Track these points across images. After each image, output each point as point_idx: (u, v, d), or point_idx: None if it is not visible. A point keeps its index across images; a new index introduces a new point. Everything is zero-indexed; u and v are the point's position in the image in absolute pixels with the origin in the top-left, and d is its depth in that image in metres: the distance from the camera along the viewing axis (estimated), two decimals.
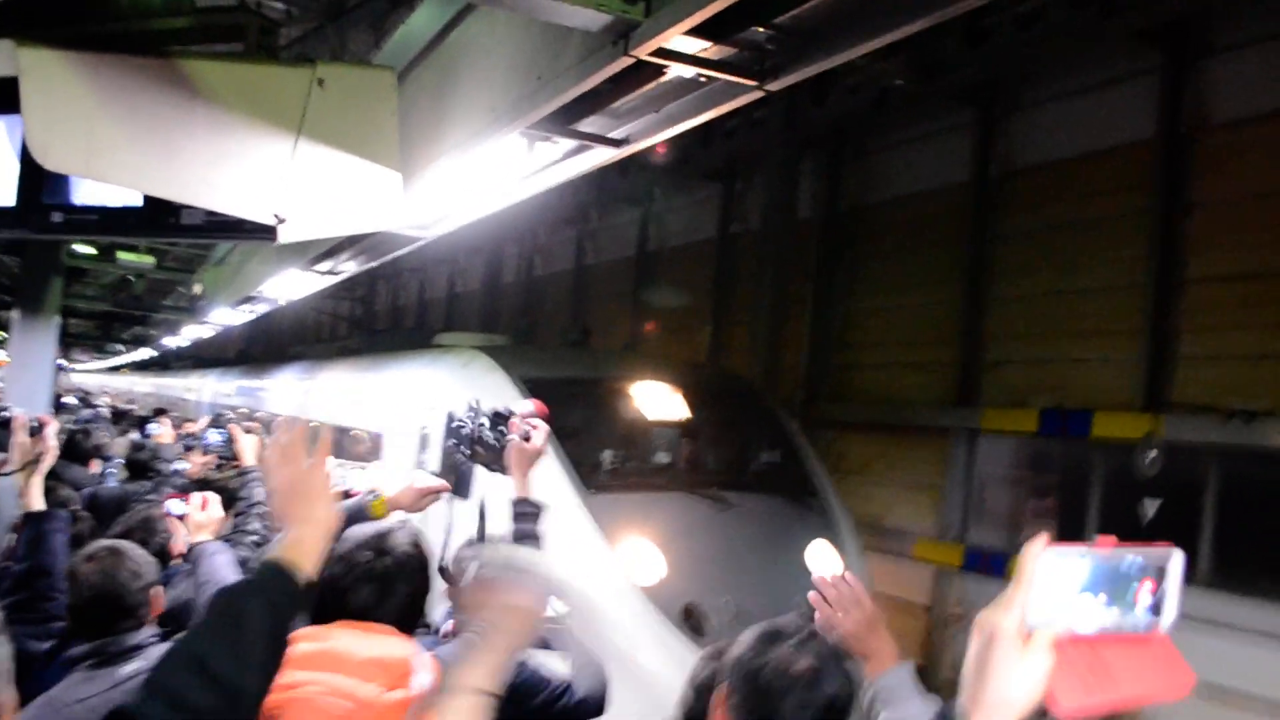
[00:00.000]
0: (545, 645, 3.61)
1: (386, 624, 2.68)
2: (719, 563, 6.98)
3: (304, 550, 1.96)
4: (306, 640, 2.54)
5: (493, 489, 3.77)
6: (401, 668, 2.49)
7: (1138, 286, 8.98)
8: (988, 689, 1.38)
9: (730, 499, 7.52)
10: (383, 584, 2.74)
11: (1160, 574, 1.38)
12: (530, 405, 3.81)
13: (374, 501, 3.70)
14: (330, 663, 2.43)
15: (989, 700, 1.38)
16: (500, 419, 3.79)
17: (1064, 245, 9.80)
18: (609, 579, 6.51)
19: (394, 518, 3.08)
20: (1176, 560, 1.38)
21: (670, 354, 13.89)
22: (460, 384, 8.28)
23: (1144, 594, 1.37)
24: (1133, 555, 1.37)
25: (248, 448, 5.55)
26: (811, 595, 2.43)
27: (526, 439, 3.66)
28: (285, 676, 2.20)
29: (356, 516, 3.53)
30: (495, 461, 3.74)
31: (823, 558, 7.37)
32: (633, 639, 6.16)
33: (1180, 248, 8.75)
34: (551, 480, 6.99)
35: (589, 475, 7.37)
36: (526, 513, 3.53)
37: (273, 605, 1.87)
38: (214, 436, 5.91)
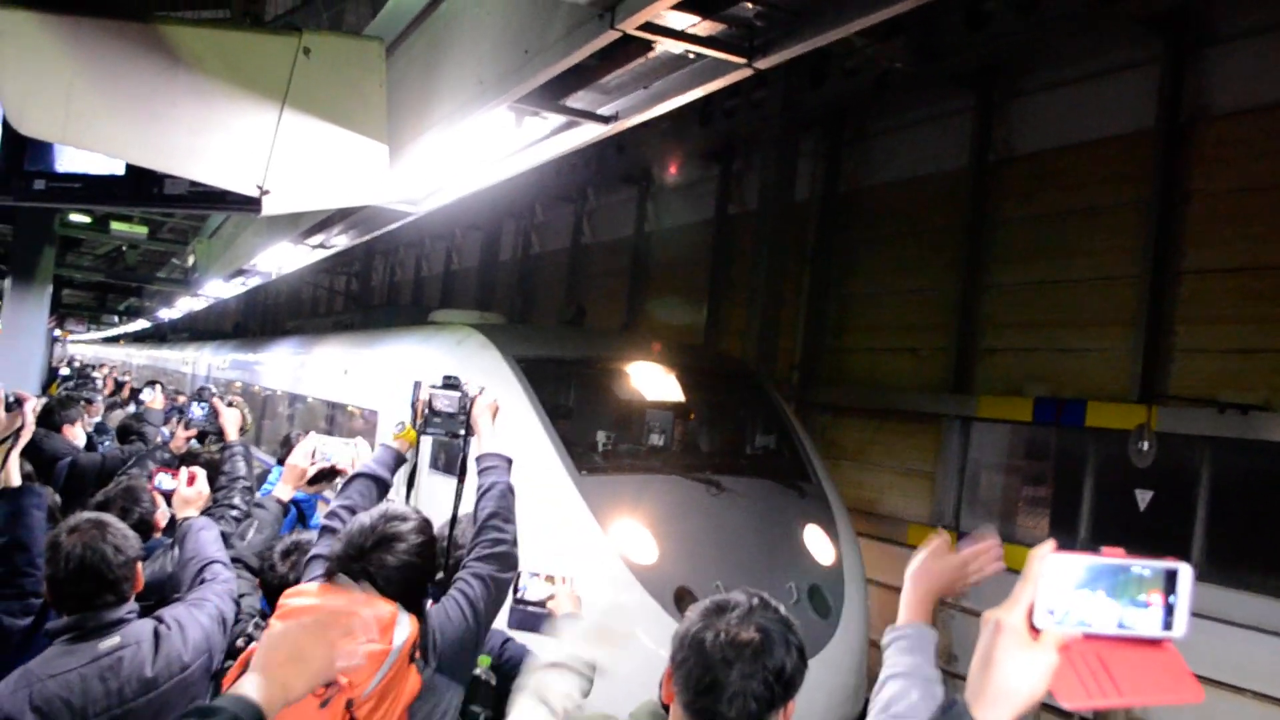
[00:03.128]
0: (531, 628, 3.72)
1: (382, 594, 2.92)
2: (712, 547, 6.90)
3: (271, 710, 1.94)
4: (297, 597, 2.85)
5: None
6: (382, 624, 2.74)
7: (1134, 276, 8.93)
8: (990, 680, 1.41)
9: (724, 483, 7.41)
10: (381, 572, 2.97)
11: (1169, 586, 1.39)
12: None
13: (401, 433, 4.05)
14: None
15: (991, 691, 1.41)
16: (451, 382, 3.94)
17: (1061, 233, 9.75)
18: (601, 562, 6.43)
19: (402, 508, 3.18)
20: (1185, 573, 1.38)
21: (666, 335, 13.87)
22: (454, 362, 8.05)
23: (1153, 603, 1.38)
24: (1139, 566, 1.38)
25: (230, 422, 5.53)
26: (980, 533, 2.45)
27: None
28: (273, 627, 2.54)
29: (394, 462, 3.98)
30: (452, 425, 3.89)
31: (817, 545, 7.31)
32: (625, 623, 6.11)
33: (1177, 238, 8.70)
34: (544, 461, 6.95)
35: (582, 456, 7.26)
36: (495, 465, 3.64)
37: None
38: (196, 411, 5.87)
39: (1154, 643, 1.39)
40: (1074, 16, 9.01)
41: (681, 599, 6.36)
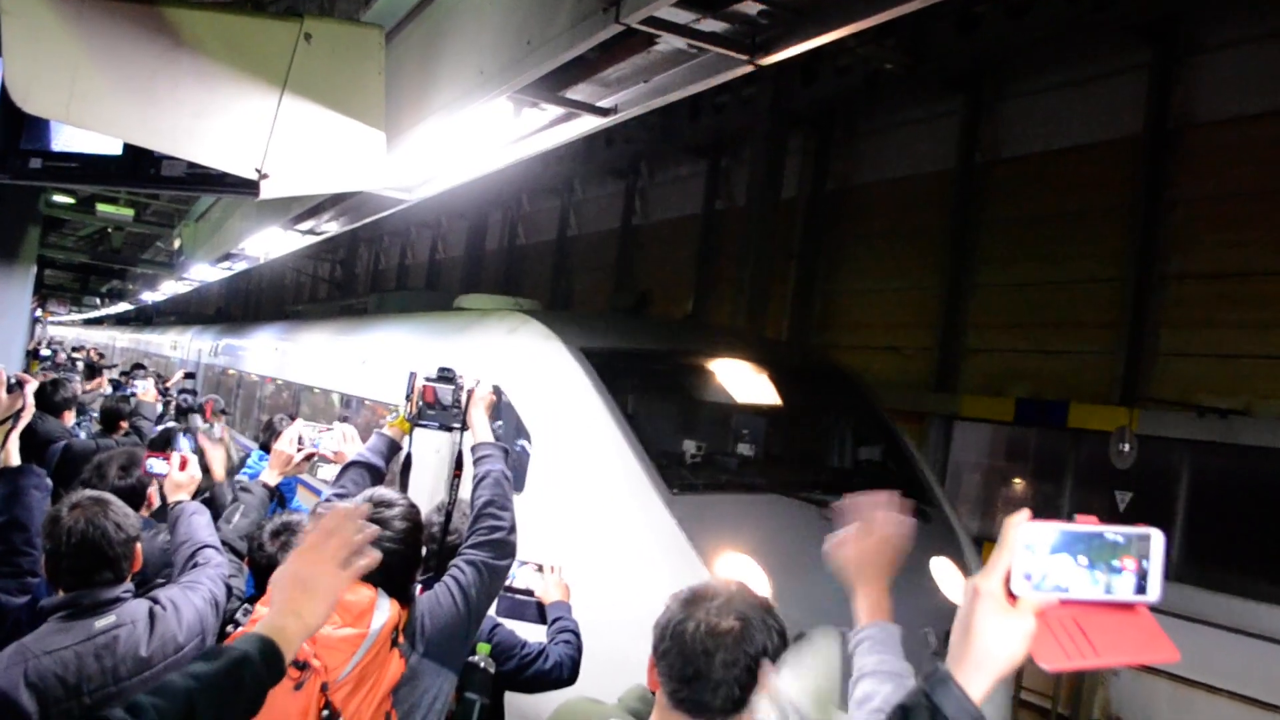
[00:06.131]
0: (519, 616, 3.76)
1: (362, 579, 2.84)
2: (831, 583, 5.17)
3: (290, 642, 1.99)
4: None
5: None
6: (359, 609, 2.74)
7: (1118, 280, 9.02)
8: (971, 646, 1.43)
9: (836, 505, 5.88)
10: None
11: (1142, 552, 1.41)
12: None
13: (394, 421, 4.01)
14: None
15: (972, 657, 1.44)
16: (446, 374, 3.96)
17: (1046, 236, 9.83)
18: None
19: (390, 493, 3.20)
20: (1157, 539, 1.41)
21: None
22: (507, 354, 6.88)
23: (1127, 569, 1.41)
24: (1113, 533, 1.41)
25: (217, 461, 5.17)
26: (846, 502, 2.47)
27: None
28: (256, 612, 2.71)
29: (389, 450, 3.96)
30: (446, 418, 3.92)
31: (948, 580, 6.03)
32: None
33: (1161, 243, 8.79)
34: (625, 475, 5.78)
35: (670, 471, 5.92)
36: (490, 454, 3.66)
37: (263, 684, 1.94)
38: (184, 445, 5.64)
39: (1128, 607, 1.42)
40: (1063, 22, 9.08)
41: None
